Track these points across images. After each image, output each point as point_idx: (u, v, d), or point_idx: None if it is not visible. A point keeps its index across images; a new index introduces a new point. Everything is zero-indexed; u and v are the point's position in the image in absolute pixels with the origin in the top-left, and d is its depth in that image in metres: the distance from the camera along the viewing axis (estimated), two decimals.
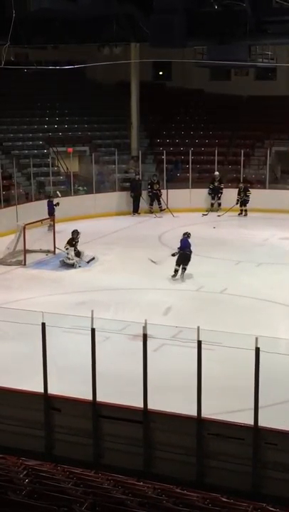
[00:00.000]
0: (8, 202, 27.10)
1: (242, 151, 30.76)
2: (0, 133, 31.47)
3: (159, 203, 29.87)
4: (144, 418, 10.99)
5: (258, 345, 10.14)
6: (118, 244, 24.56)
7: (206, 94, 35.39)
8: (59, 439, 11.55)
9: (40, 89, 33.08)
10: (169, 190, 30.09)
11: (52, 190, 28.71)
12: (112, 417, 11.22)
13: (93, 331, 11.01)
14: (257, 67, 30.30)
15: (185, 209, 29.29)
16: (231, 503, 9.00)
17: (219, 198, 30.05)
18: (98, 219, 28.30)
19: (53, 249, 22.76)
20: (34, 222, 22.49)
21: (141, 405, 10.96)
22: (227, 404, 11.80)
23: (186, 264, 19.94)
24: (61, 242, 22.15)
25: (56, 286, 19.72)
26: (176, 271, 19.87)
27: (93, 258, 22.00)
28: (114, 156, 30.75)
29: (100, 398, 11.23)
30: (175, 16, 23.76)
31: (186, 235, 20.43)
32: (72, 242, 21.68)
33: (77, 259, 21.44)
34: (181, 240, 20.35)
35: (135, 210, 29.69)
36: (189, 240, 20.28)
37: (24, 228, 21.87)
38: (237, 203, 29.30)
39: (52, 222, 24.43)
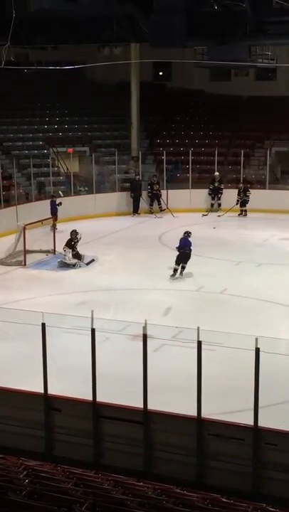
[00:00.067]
0: (8, 202, 27.10)
1: (242, 152, 30.77)
2: (0, 133, 31.47)
3: (159, 204, 29.87)
4: (144, 418, 10.99)
5: (258, 346, 10.14)
6: (118, 244, 24.56)
7: (206, 95, 35.40)
8: (59, 440, 11.55)
9: (40, 89, 33.07)
10: (169, 191, 30.10)
11: (52, 190, 28.74)
12: (112, 418, 11.22)
13: (93, 331, 11.01)
14: (257, 68, 30.30)
15: (185, 209, 29.29)
16: (231, 504, 9.00)
17: (219, 199, 30.05)
18: (98, 219, 28.31)
19: (52, 250, 22.74)
20: (34, 223, 22.48)
21: (141, 406, 10.95)
22: (227, 405, 11.80)
23: (186, 262, 19.98)
24: (61, 242, 22.13)
25: (56, 286, 19.72)
26: (175, 270, 19.88)
27: (93, 260, 21.98)
28: (114, 157, 30.77)
29: (100, 398, 11.23)
30: (175, 16, 23.80)
31: (187, 234, 20.46)
32: (71, 242, 21.66)
33: (75, 261, 21.41)
34: (181, 239, 20.37)
35: (135, 210, 29.70)
36: (190, 239, 20.31)
37: (24, 228, 21.87)
38: (237, 204, 29.30)
39: (54, 222, 24.63)
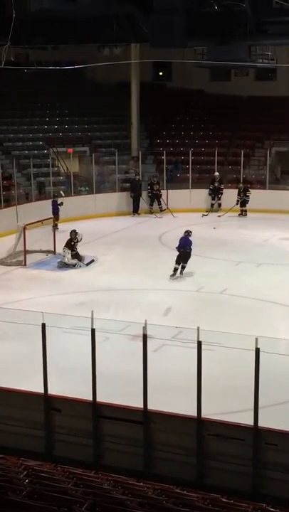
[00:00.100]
0: (8, 202, 27.10)
1: (242, 152, 30.76)
2: (0, 133, 31.47)
3: (159, 204, 29.87)
4: (144, 418, 10.99)
5: (258, 346, 10.14)
6: (118, 244, 24.57)
7: (206, 95, 35.40)
8: (59, 440, 11.55)
9: (40, 89, 33.07)
10: (169, 191, 30.10)
11: (52, 190, 28.76)
12: (112, 418, 11.22)
13: (93, 331, 11.01)
14: (257, 68, 30.31)
15: (185, 209, 29.29)
16: (231, 504, 9.01)
17: (219, 199, 30.05)
18: (98, 219, 28.31)
19: (53, 250, 22.75)
20: (34, 223, 22.48)
21: (141, 406, 10.95)
22: (227, 405, 11.80)
23: (186, 262, 20.01)
24: (62, 242, 22.10)
25: (56, 286, 19.72)
26: (175, 269, 19.90)
27: (92, 260, 21.99)
28: (114, 157, 30.78)
29: (100, 398, 11.23)
30: (175, 16, 23.79)
31: (187, 233, 20.50)
32: (71, 243, 21.66)
33: (74, 261, 21.40)
34: (182, 238, 20.39)
35: (135, 210, 29.70)
36: (190, 238, 20.33)
37: (24, 229, 21.87)
38: (237, 204, 29.30)
39: (56, 222, 24.83)
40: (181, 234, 20.66)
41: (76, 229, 22.21)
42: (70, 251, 21.51)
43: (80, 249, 21.89)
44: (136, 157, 31.33)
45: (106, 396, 11.34)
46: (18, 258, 21.91)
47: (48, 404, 11.52)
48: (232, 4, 23.88)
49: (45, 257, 22.55)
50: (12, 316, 14.47)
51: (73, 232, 21.92)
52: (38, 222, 22.79)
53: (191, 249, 20.08)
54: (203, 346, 10.51)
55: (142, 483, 9.68)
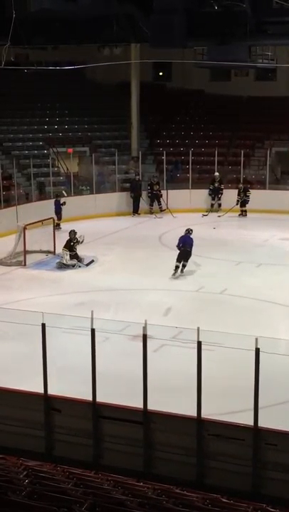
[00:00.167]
0: (8, 202, 27.11)
1: (242, 152, 30.76)
2: (0, 133, 31.47)
3: (159, 204, 29.88)
4: (144, 419, 10.99)
5: (258, 346, 10.14)
6: (118, 244, 24.57)
7: (206, 95, 35.40)
8: (59, 440, 11.55)
9: (40, 89, 33.08)
10: (169, 191, 30.10)
11: (52, 190, 28.77)
12: (112, 418, 11.22)
13: (93, 331, 11.01)
14: (257, 68, 30.32)
15: (185, 209, 29.28)
16: (231, 504, 9.01)
17: (219, 199, 30.05)
18: (98, 219, 28.31)
19: (52, 250, 22.76)
20: (34, 223, 22.48)
21: (141, 406, 10.95)
22: (227, 405, 11.80)
23: (187, 260, 20.07)
24: (63, 242, 22.08)
25: (56, 286, 19.73)
26: (176, 267, 19.93)
27: (92, 260, 21.99)
28: (114, 157, 30.78)
29: (99, 399, 11.23)
30: (175, 16, 23.80)
31: (188, 232, 20.55)
32: (70, 243, 21.66)
33: (73, 262, 21.39)
34: (183, 237, 20.44)
35: (135, 210, 29.70)
36: (191, 236, 20.36)
37: (24, 229, 21.87)
38: (237, 204, 29.30)
39: (59, 222, 25.21)
40: (181, 234, 20.67)
41: (78, 231, 22.18)
42: (68, 252, 21.50)
43: (80, 249, 21.88)
44: (136, 157, 31.33)
45: (106, 396, 11.33)
46: (18, 258, 21.90)
47: (48, 404, 11.52)
48: (232, 4, 23.89)
49: (45, 257, 22.55)
50: (12, 316, 14.46)
51: (72, 233, 21.91)
52: (38, 222, 22.80)
53: (191, 247, 20.11)
54: (203, 346, 10.51)
55: (142, 484, 9.68)
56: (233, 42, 24.37)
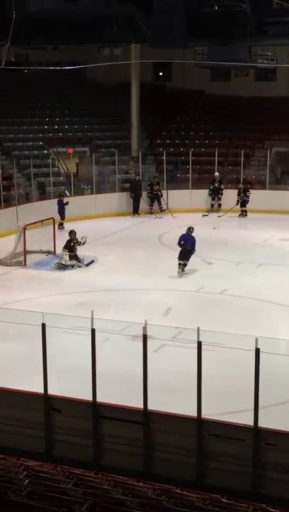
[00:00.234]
0: (8, 202, 27.12)
1: (242, 152, 30.76)
2: (0, 133, 31.47)
3: (160, 204, 29.88)
4: (144, 419, 10.99)
5: (258, 346, 10.14)
6: (118, 244, 24.57)
7: (206, 95, 35.40)
8: (59, 440, 11.55)
9: (40, 89, 33.07)
10: (169, 191, 30.10)
11: (53, 190, 28.80)
12: (112, 418, 11.22)
13: (93, 331, 11.01)
14: (257, 68, 30.32)
15: (185, 210, 29.28)
16: (231, 504, 9.01)
17: (219, 199, 30.05)
18: (98, 219, 28.31)
19: (53, 250, 22.76)
20: (34, 223, 22.49)
21: (141, 406, 10.95)
22: (227, 405, 11.80)
23: (188, 259, 20.15)
24: (63, 242, 22.06)
25: (56, 286, 19.73)
26: (180, 264, 20.05)
27: (92, 261, 21.99)
28: (114, 157, 30.78)
29: (99, 399, 11.23)
30: (175, 16, 23.78)
31: (189, 230, 20.64)
32: (70, 243, 21.65)
33: (72, 262, 21.38)
34: (184, 235, 20.51)
35: (135, 210, 29.70)
36: (193, 235, 20.44)
37: (24, 229, 21.87)
38: (237, 204, 29.31)
39: (62, 221, 25.55)
40: (182, 233, 20.72)
41: (79, 231, 22.18)
42: (68, 252, 21.49)
43: (81, 249, 21.87)
44: (136, 157, 31.33)
45: (106, 396, 11.33)
46: (18, 258, 21.91)
47: (48, 404, 11.52)
48: (232, 4, 23.87)
49: (45, 257, 22.55)
50: (12, 316, 14.47)
51: (72, 233, 21.90)
52: (38, 222, 22.80)
53: (191, 246, 20.19)
54: (203, 346, 10.51)
55: (142, 484, 9.68)
56: (233, 42, 24.35)
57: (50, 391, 11.51)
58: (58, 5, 23.80)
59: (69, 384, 12.27)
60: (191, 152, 30.39)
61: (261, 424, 10.44)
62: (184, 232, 20.90)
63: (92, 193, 29.89)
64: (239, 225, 28.37)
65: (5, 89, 31.90)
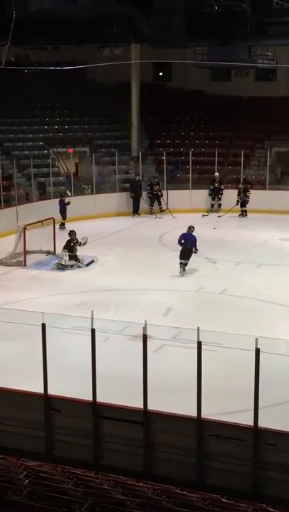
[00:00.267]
0: (8, 202, 27.12)
1: (242, 152, 30.77)
2: (0, 133, 31.47)
3: (160, 204, 29.88)
4: (144, 419, 10.99)
5: (258, 346, 10.14)
6: (118, 244, 24.57)
7: (206, 95, 35.41)
8: (59, 440, 11.55)
9: (40, 89, 33.08)
10: (169, 191, 30.11)
11: (53, 190, 28.82)
12: (112, 418, 11.22)
13: (93, 331, 11.01)
14: (257, 68, 30.32)
15: (185, 210, 29.28)
16: (231, 504, 9.01)
17: (219, 199, 30.06)
18: (98, 220, 28.31)
19: (53, 250, 22.77)
20: (34, 223, 22.49)
21: (141, 406, 10.95)
22: (227, 405, 11.80)
23: (188, 258, 20.21)
24: (63, 242, 22.06)
25: (56, 286, 19.73)
26: (181, 264, 20.08)
27: (92, 260, 21.99)
28: (114, 157, 30.78)
29: (99, 399, 11.23)
30: (175, 16, 23.77)
31: (190, 229, 20.72)
32: (70, 244, 21.65)
33: (72, 262, 21.37)
34: (184, 234, 20.55)
35: (135, 210, 29.70)
36: (194, 234, 20.49)
37: (24, 229, 21.87)
38: (237, 204, 29.31)
39: (63, 221, 25.75)
40: (182, 232, 20.78)
41: (79, 232, 22.18)
42: (68, 252, 21.49)
43: (81, 249, 21.86)
44: (136, 157, 31.33)
45: (106, 396, 11.34)
46: (18, 258, 21.91)
47: (48, 404, 11.52)
48: (232, 5, 23.87)
49: (45, 257, 22.55)
50: (12, 316, 14.47)
51: (73, 233, 21.90)
52: (38, 222, 22.80)
53: (191, 245, 20.26)
54: (203, 346, 10.51)
55: (142, 484, 9.68)
56: (233, 42, 24.35)
57: (50, 391, 11.51)
58: (58, 5, 23.78)
59: (69, 384, 12.27)
60: (191, 152, 30.39)
61: (261, 424, 10.44)
62: (185, 231, 20.92)
63: (92, 193, 29.90)
64: (239, 225, 28.38)
65: (5, 89, 31.90)
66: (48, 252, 22.79)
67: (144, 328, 10.70)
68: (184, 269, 20.22)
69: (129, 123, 32.45)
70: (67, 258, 21.42)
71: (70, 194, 28.15)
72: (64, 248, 21.62)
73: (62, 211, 26.71)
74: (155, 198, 29.89)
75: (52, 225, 23.37)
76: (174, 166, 31.93)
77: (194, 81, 35.22)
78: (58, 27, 26.82)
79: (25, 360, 13.44)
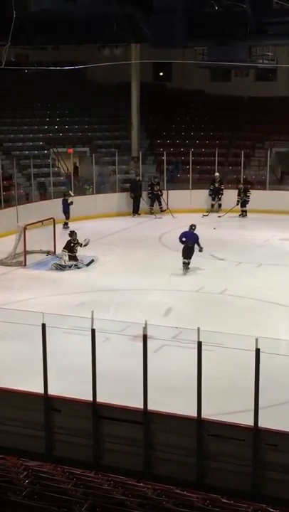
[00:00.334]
0: (8, 202, 27.13)
1: (242, 152, 30.76)
2: (0, 133, 31.48)
3: (160, 204, 29.88)
4: (144, 419, 10.99)
5: (258, 346, 10.14)
6: (118, 245, 24.57)
7: (207, 95, 35.42)
8: (59, 440, 11.55)
9: (40, 89, 33.10)
10: (169, 191, 30.11)
11: (53, 190, 28.80)
12: (112, 418, 11.22)
13: (93, 331, 11.01)
14: (257, 68, 30.32)
15: (185, 210, 29.27)
16: (231, 504, 9.01)
17: (220, 199, 30.05)
18: (98, 220, 28.32)
19: (53, 250, 22.77)
20: (34, 223, 22.49)
21: (141, 406, 10.95)
22: (227, 405, 11.79)
23: (190, 257, 20.24)
24: (64, 242, 22.06)
25: (56, 286, 19.73)
26: (184, 263, 20.12)
27: (92, 260, 21.99)
28: (114, 157, 30.78)
29: (100, 399, 11.23)
30: (175, 16, 23.77)
31: (191, 228, 20.83)
32: (70, 244, 21.64)
33: (71, 263, 21.37)
34: (186, 232, 20.61)
35: (135, 211, 29.70)
36: (195, 232, 20.51)
37: (24, 229, 21.87)
38: (237, 204, 29.31)
39: (67, 221, 25.92)
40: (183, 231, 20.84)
41: (80, 232, 22.17)
42: (68, 253, 21.49)
43: (81, 249, 21.86)
44: (136, 157, 31.34)
45: (106, 396, 11.33)
46: (18, 258, 21.91)
47: (48, 404, 11.52)
48: (232, 5, 23.87)
49: (45, 257, 22.55)
50: (12, 316, 14.47)
51: (74, 233, 21.90)
52: (38, 222, 22.80)
53: (193, 243, 20.34)
54: (203, 347, 10.50)
55: (142, 484, 9.68)
56: (233, 42, 24.36)
57: (50, 391, 11.51)
58: (58, 5, 23.79)
59: (69, 384, 12.27)
60: (191, 152, 30.39)
61: (261, 424, 10.44)
62: (186, 230, 20.97)
63: (92, 193, 29.90)
64: (239, 225, 28.37)
65: (5, 89, 31.92)
66: (48, 252, 22.79)
67: (144, 328, 10.70)
68: (188, 268, 20.26)
69: (129, 123, 32.45)
70: (66, 258, 21.42)
71: (72, 194, 28.15)
72: (64, 248, 21.63)
73: (66, 211, 26.80)
74: (155, 198, 29.89)
75: (52, 225, 23.38)
76: (174, 166, 31.94)
77: (194, 81, 35.24)
78: (58, 27, 26.83)
79: (25, 360, 13.43)
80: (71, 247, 21.61)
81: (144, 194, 29.83)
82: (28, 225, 22.09)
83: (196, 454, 10.78)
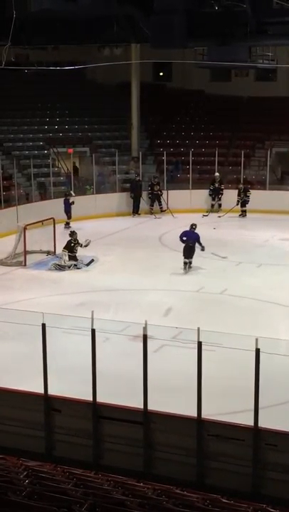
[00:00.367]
0: (8, 202, 27.12)
1: (242, 152, 30.75)
2: (0, 133, 31.48)
3: (160, 204, 29.88)
4: (144, 419, 10.99)
5: (258, 346, 10.14)
6: (118, 245, 24.57)
7: (207, 95, 35.42)
8: (59, 440, 11.55)
9: (40, 89, 33.10)
10: (169, 191, 30.10)
11: (53, 190, 28.81)
12: (112, 418, 11.22)
13: (93, 331, 11.01)
14: (257, 68, 30.33)
15: (185, 210, 29.26)
16: (231, 504, 9.01)
17: (220, 199, 30.05)
18: (98, 220, 28.31)
19: (53, 250, 22.77)
20: (34, 223, 22.49)
21: (141, 406, 10.95)
22: (227, 405, 11.79)
23: (191, 257, 20.26)
24: (64, 242, 22.06)
25: (56, 286, 19.73)
26: (185, 263, 20.16)
27: (92, 260, 21.99)
28: (114, 157, 30.78)
29: (100, 399, 11.23)
30: (175, 16, 23.79)
31: (191, 227, 20.89)
32: (71, 244, 21.64)
33: (70, 263, 21.36)
34: (186, 231, 20.64)
35: (135, 211, 29.70)
36: (196, 231, 20.54)
37: (24, 229, 21.87)
38: (237, 204, 29.31)
39: (68, 221, 25.99)
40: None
41: (82, 232, 22.17)
42: (68, 253, 21.48)
43: (81, 249, 21.86)
44: (136, 157, 31.33)
45: (106, 396, 11.33)
46: (18, 258, 21.91)
47: (48, 404, 11.52)
48: (232, 5, 23.90)
49: (45, 257, 22.55)
50: (12, 316, 14.47)
51: (74, 234, 21.90)
52: (38, 222, 22.80)
53: (193, 243, 20.37)
54: (203, 347, 10.50)
55: (142, 484, 9.68)
56: (233, 42, 24.38)
57: (50, 391, 11.51)
58: (58, 5, 23.80)
59: (69, 384, 12.27)
60: (191, 152, 30.38)
61: (261, 424, 10.44)
62: (187, 229, 20.99)
63: (92, 193, 29.91)
64: (239, 225, 28.36)
65: (5, 89, 31.90)
66: (48, 252, 22.79)
67: (144, 329, 10.70)
68: (190, 267, 20.28)
69: (129, 123, 32.45)
70: (66, 258, 21.42)
71: (74, 194, 28.15)
72: (64, 248, 21.63)
73: (67, 210, 26.82)
74: (155, 198, 29.89)
75: (52, 225, 23.37)
76: (174, 166, 31.94)
77: (194, 81, 35.24)
78: (58, 27, 26.84)
79: (25, 360, 13.44)
80: (71, 247, 21.61)
81: (144, 194, 29.83)
82: (28, 225, 22.09)
83: (196, 454, 10.78)
